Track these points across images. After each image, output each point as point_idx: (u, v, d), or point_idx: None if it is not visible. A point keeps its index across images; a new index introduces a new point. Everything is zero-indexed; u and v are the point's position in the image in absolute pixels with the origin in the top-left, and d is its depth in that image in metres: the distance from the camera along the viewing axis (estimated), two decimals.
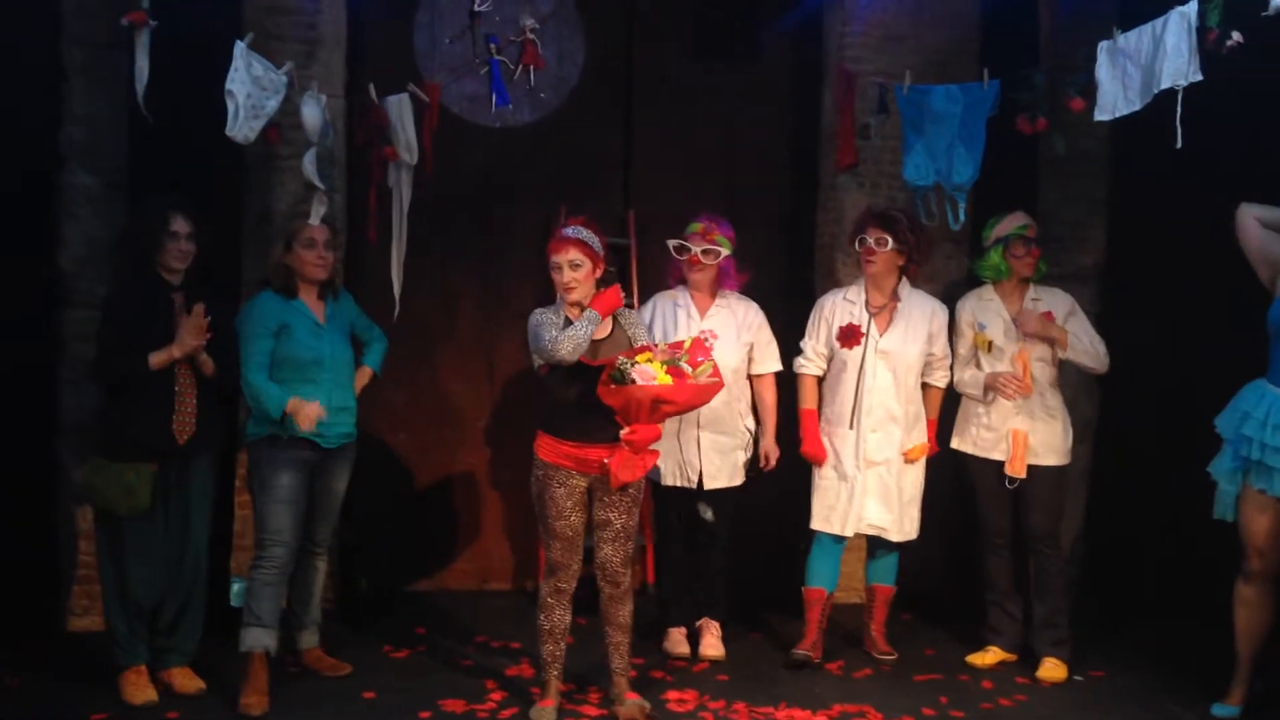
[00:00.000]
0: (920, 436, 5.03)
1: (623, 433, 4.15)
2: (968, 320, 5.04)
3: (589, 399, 4.18)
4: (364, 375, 4.91)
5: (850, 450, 4.97)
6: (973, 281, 5.85)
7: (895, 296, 5.00)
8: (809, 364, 5.09)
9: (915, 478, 5.05)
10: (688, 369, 4.15)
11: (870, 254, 4.93)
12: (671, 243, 5.05)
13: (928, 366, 5.04)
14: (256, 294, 4.71)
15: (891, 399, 4.95)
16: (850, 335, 4.97)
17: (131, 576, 4.42)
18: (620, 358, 4.14)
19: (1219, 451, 4.47)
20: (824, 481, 5.03)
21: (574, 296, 4.27)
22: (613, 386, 4.10)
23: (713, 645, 5.11)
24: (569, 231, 4.30)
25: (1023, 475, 4.88)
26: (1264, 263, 4.37)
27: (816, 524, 5.04)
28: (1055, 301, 4.97)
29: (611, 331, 4.34)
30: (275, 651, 4.57)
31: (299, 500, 4.57)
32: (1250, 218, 4.38)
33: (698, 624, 5.17)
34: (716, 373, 4.24)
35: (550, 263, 4.29)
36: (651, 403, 4.06)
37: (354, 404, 4.79)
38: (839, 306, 5.06)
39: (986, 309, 5.00)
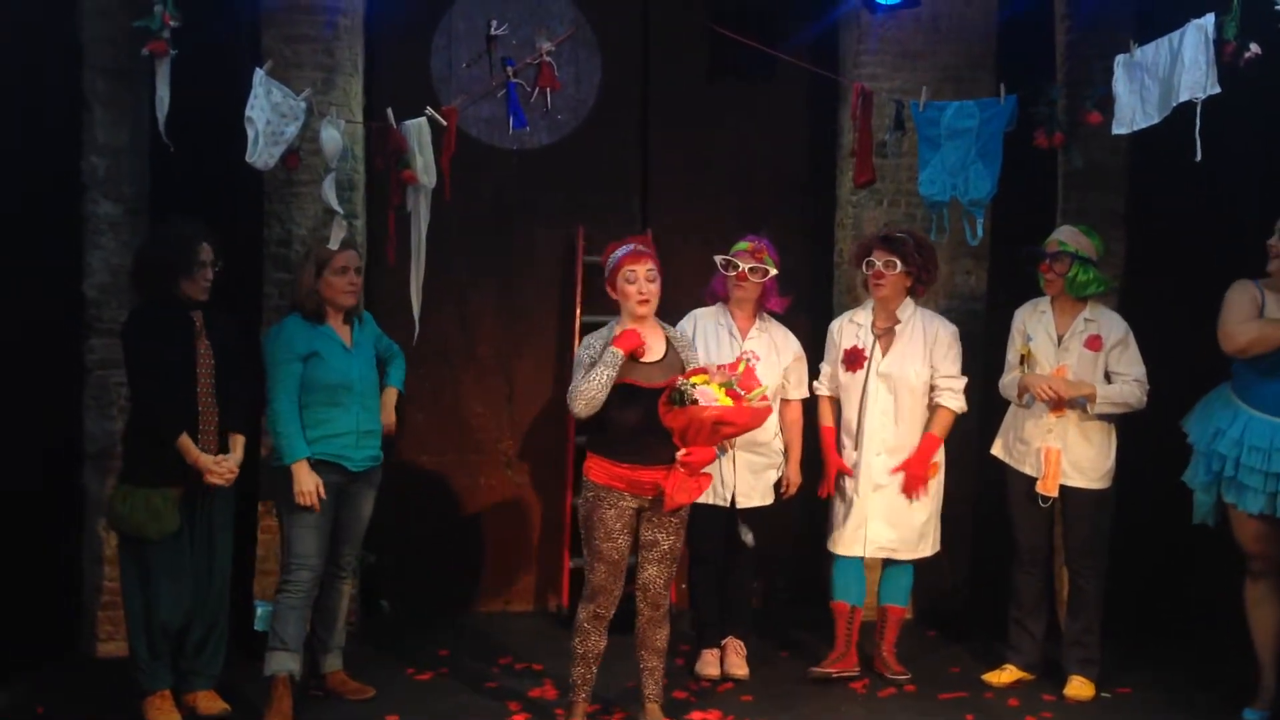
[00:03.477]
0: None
1: (679, 454, 4.13)
2: (1018, 328, 5.00)
3: (645, 422, 4.17)
4: (391, 396, 4.90)
5: (855, 472, 5.00)
6: (990, 297, 5.86)
7: (897, 318, 5.00)
8: (822, 385, 5.17)
9: (928, 496, 5.01)
10: (741, 392, 4.14)
11: (879, 277, 4.94)
12: (719, 258, 5.04)
13: (934, 387, 5.01)
14: (283, 319, 4.73)
15: (894, 422, 4.96)
16: (854, 359, 5.01)
17: (159, 600, 4.44)
18: (679, 379, 4.14)
19: (1191, 461, 4.60)
20: (834, 502, 5.08)
21: (646, 310, 4.29)
22: (675, 409, 4.09)
23: (737, 664, 5.09)
24: (641, 247, 4.35)
25: (1054, 494, 4.84)
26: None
27: (829, 544, 5.10)
28: (1108, 326, 4.84)
29: (665, 354, 4.33)
30: (299, 676, 4.58)
31: (325, 524, 4.58)
32: (1245, 339, 4.40)
33: (722, 643, 5.16)
34: (765, 397, 4.26)
35: (622, 275, 4.29)
36: (713, 424, 4.04)
37: (379, 427, 4.80)
38: (845, 329, 5.11)
39: (1038, 321, 4.94)
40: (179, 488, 4.42)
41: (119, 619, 5.02)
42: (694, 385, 4.09)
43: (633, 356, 4.25)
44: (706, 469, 4.21)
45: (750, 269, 4.95)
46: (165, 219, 4.70)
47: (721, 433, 4.09)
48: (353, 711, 4.69)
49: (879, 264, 4.93)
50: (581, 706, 4.40)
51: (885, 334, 5.00)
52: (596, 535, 4.27)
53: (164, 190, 5.30)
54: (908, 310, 5.02)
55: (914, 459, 4.98)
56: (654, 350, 4.31)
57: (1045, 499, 4.86)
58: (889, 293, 4.96)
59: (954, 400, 5.01)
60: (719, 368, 4.22)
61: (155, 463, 4.40)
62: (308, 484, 4.47)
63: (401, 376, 4.98)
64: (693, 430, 4.07)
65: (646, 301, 4.28)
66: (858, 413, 4.99)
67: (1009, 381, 5.00)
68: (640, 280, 4.27)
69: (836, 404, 5.15)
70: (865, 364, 4.98)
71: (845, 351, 5.04)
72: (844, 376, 5.05)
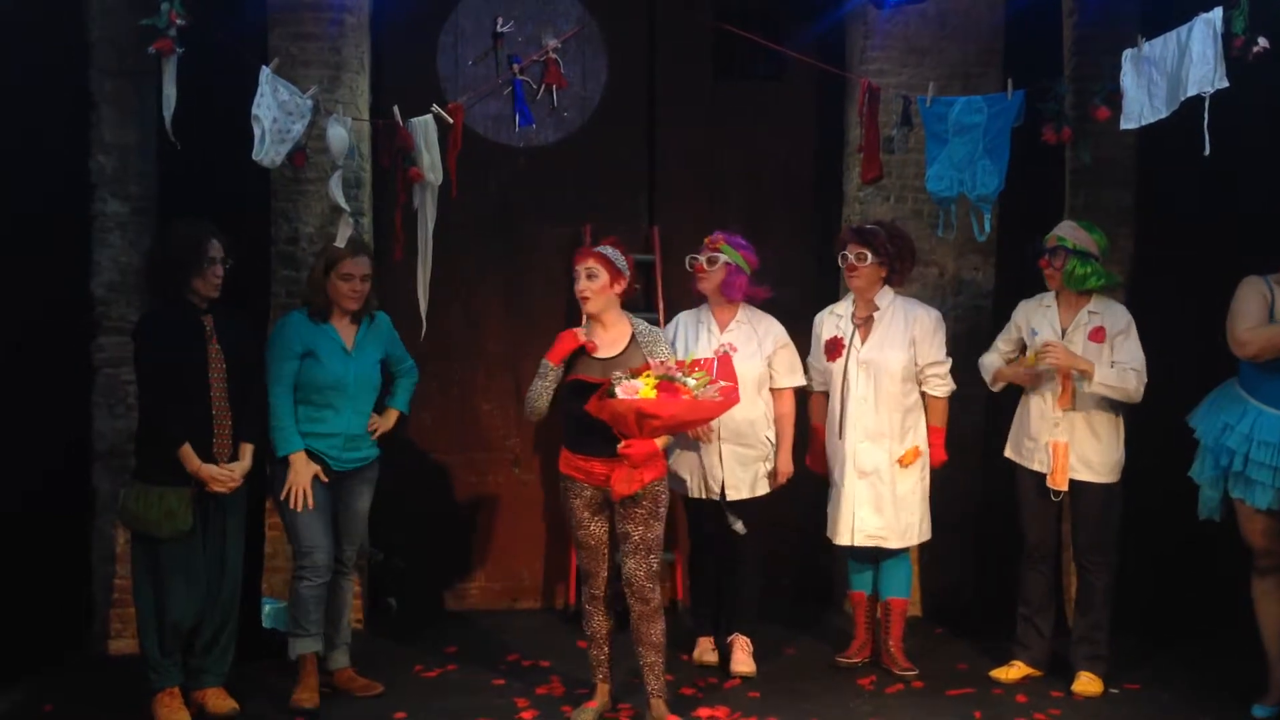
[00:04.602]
0: (913, 441, 5.04)
1: (619, 446, 4.20)
2: (1018, 321, 5.03)
3: (591, 415, 4.22)
4: (390, 418, 4.91)
5: (840, 460, 5.05)
6: (998, 293, 5.85)
7: (876, 306, 5.06)
8: (811, 381, 5.23)
9: (912, 483, 5.04)
10: (690, 384, 4.15)
11: (852, 269, 5.03)
12: (687, 260, 5.12)
13: (921, 374, 5.05)
14: (289, 313, 4.77)
15: (874, 408, 5.00)
16: (833, 348, 5.09)
17: (171, 599, 4.44)
18: (615, 374, 4.20)
19: (1198, 455, 4.60)
20: (831, 491, 5.16)
21: (588, 307, 4.41)
22: (601, 401, 4.14)
23: (744, 661, 5.10)
24: (601, 248, 4.44)
25: (1064, 488, 4.84)
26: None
27: (827, 531, 5.18)
28: (1112, 317, 4.85)
29: (624, 350, 4.40)
30: (323, 655, 4.72)
31: (326, 509, 4.66)
32: (1254, 347, 4.39)
33: (728, 640, 5.17)
34: (728, 391, 4.24)
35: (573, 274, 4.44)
36: (635, 416, 4.07)
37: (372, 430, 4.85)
38: (826, 321, 5.20)
39: (1042, 315, 4.96)
40: (193, 486, 4.43)
41: (129, 616, 5.04)
42: (622, 379, 4.14)
43: (586, 353, 4.39)
44: (656, 459, 4.30)
45: (707, 259, 5.03)
46: (173, 220, 4.71)
47: (649, 425, 4.11)
48: (361, 709, 4.69)
49: (851, 256, 5.01)
50: (600, 686, 4.57)
51: (865, 322, 5.07)
52: (571, 523, 4.48)
53: (171, 189, 5.32)
54: (886, 298, 5.07)
55: (933, 454, 5.09)
56: (613, 346, 4.40)
57: (1056, 494, 4.85)
58: (863, 283, 5.03)
59: (942, 387, 5.07)
60: (670, 362, 4.24)
61: (169, 462, 4.41)
62: (304, 477, 4.56)
63: (406, 399, 5.00)
64: (618, 422, 4.13)
65: (585, 299, 4.39)
66: (840, 401, 5.06)
67: (988, 361, 5.08)
68: (580, 279, 4.39)
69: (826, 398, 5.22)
70: (844, 352, 5.04)
71: (826, 342, 5.13)
72: (825, 366, 5.13)
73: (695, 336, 5.10)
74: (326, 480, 4.63)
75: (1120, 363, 4.79)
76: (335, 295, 4.67)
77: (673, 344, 5.03)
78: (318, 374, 4.61)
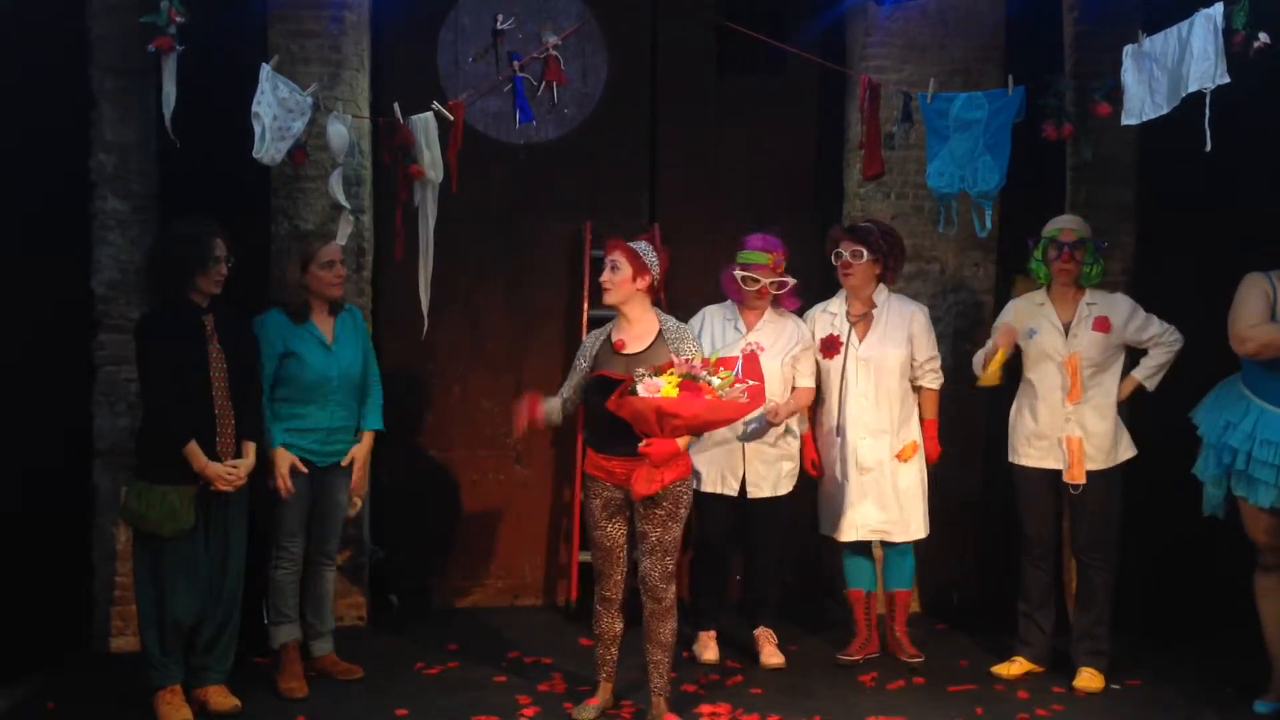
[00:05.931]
0: (909, 435, 5.08)
1: (640, 445, 4.17)
2: (1009, 321, 4.97)
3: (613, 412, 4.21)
4: (366, 442, 4.92)
5: (840, 457, 5.08)
6: (999, 289, 5.84)
7: (873, 303, 5.08)
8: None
9: (912, 477, 5.09)
10: (714, 383, 4.12)
11: (847, 267, 5.06)
12: (739, 274, 5.05)
13: (919, 369, 5.10)
14: (265, 314, 4.76)
15: (875, 404, 5.04)
16: (830, 345, 5.11)
17: (172, 597, 4.45)
18: (638, 371, 4.18)
19: (1201, 453, 4.60)
20: (824, 488, 5.19)
21: (608, 298, 4.41)
22: (622, 399, 4.12)
23: (773, 654, 5.16)
24: (635, 243, 4.44)
25: (1083, 480, 4.82)
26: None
27: (822, 529, 5.23)
28: (1112, 306, 4.87)
29: (650, 346, 4.37)
30: (308, 642, 4.85)
31: (305, 500, 4.75)
32: (1255, 344, 4.38)
33: (755, 634, 5.23)
34: (754, 392, 4.22)
35: None
36: (656, 415, 4.05)
37: (354, 423, 4.89)
38: (819, 319, 5.21)
39: (1038, 314, 4.94)
40: (195, 485, 4.43)
41: (130, 614, 5.04)
42: (644, 377, 4.12)
43: (612, 348, 4.38)
44: (678, 459, 4.24)
45: (772, 283, 5.03)
46: (176, 218, 4.71)
47: (670, 424, 4.09)
48: (362, 706, 4.69)
49: (846, 254, 5.04)
50: (603, 684, 4.58)
51: (861, 320, 5.10)
52: (587, 522, 4.48)
53: (172, 187, 5.31)
54: (881, 295, 5.12)
55: (929, 447, 5.14)
56: (639, 342, 4.39)
57: (1076, 487, 4.84)
58: (858, 281, 5.07)
59: (936, 381, 5.15)
60: (695, 361, 4.22)
61: (171, 461, 4.40)
62: (284, 466, 4.65)
63: (379, 414, 4.97)
64: (638, 421, 4.12)
65: (605, 290, 4.41)
66: (838, 398, 5.08)
67: (976, 359, 5.07)
68: (605, 269, 4.41)
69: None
70: (842, 350, 5.06)
71: (822, 340, 5.15)
72: (821, 364, 5.14)
73: (723, 333, 5.11)
74: (305, 470, 4.71)
75: (1153, 338, 4.83)
76: (319, 286, 4.71)
77: (698, 338, 5.03)
78: (301, 372, 4.67)
